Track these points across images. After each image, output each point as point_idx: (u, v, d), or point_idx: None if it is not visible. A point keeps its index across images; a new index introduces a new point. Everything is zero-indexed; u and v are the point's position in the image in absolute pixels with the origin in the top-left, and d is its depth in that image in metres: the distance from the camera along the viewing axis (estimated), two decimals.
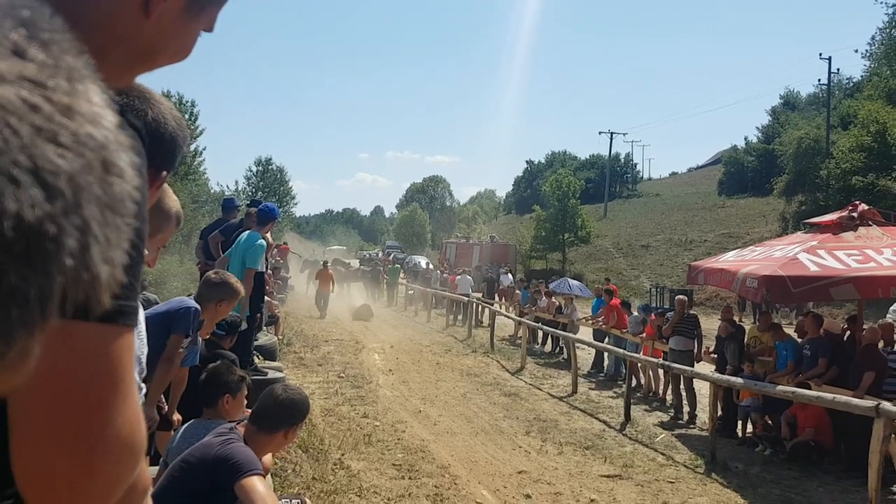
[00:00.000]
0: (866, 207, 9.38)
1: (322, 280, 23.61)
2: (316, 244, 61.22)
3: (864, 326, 9.27)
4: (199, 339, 4.32)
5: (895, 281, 7.90)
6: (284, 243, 32.47)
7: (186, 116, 45.15)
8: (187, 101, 45.96)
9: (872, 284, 7.96)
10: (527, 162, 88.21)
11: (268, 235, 7.55)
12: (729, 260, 10.38)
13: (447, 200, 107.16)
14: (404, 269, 36.66)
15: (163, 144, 1.34)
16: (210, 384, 3.50)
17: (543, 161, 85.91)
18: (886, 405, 6.58)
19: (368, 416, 9.79)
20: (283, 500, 3.11)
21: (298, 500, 3.19)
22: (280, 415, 3.02)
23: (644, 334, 13.25)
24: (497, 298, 24.53)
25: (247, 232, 7.21)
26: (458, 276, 26.92)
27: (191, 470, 2.75)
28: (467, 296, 23.11)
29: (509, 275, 28.54)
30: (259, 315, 7.36)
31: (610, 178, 68.05)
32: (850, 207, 9.39)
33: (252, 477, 2.67)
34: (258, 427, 3.01)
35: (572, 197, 47.29)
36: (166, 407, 4.10)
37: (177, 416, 4.20)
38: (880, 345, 9.24)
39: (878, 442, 6.42)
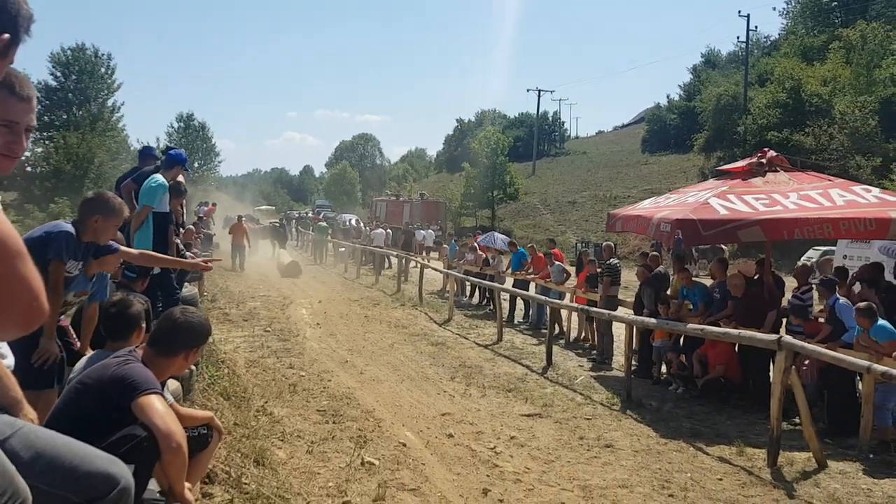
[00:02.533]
0: (774, 154, 9.72)
1: (236, 234, 23.49)
2: (245, 204, 59.94)
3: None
4: (106, 274, 4.20)
5: (800, 223, 8.24)
6: (213, 204, 31.79)
7: (103, 70, 43.31)
8: (103, 54, 44.07)
9: (778, 227, 8.29)
10: (457, 120, 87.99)
11: (180, 179, 7.34)
12: (645, 207, 10.65)
13: (377, 159, 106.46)
14: (333, 228, 36.36)
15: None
16: (122, 317, 3.42)
17: (473, 120, 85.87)
18: (788, 338, 6.92)
19: (294, 367, 9.75)
20: (193, 430, 3.06)
21: (205, 429, 3.15)
22: (179, 338, 2.98)
23: (567, 283, 13.60)
24: (421, 254, 25.00)
25: (154, 175, 7.01)
26: (374, 231, 28.53)
27: (87, 391, 2.69)
28: (380, 247, 24.54)
29: (430, 231, 29.57)
30: (179, 260, 7.17)
31: (538, 137, 68.62)
32: (759, 154, 9.71)
33: (150, 395, 2.63)
34: (157, 350, 2.96)
35: (501, 154, 47.66)
36: (78, 343, 3.98)
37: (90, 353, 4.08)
38: (793, 287, 9.72)
39: (779, 373, 6.76)
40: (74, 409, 2.64)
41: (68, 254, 3.86)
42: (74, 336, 4.22)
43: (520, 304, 15.79)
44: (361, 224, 33.86)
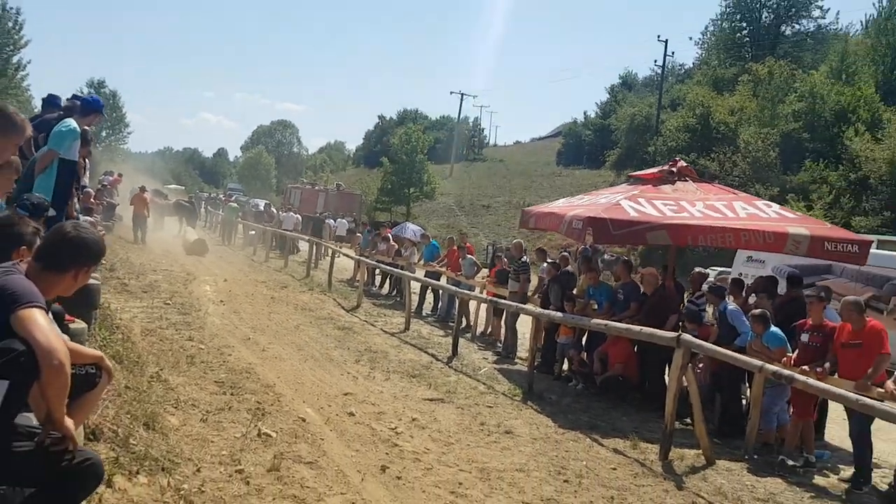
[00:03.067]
0: (684, 164, 10.05)
1: (137, 204, 22.68)
2: (154, 181, 57.74)
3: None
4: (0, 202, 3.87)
5: (704, 230, 8.52)
6: (119, 175, 30.36)
7: (10, 25, 40.84)
8: (11, 8, 41.57)
9: (684, 232, 8.55)
10: (379, 117, 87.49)
11: (88, 129, 6.93)
12: (558, 205, 10.81)
13: (295, 147, 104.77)
14: (243, 211, 35.49)
15: None
16: (1, 235, 3.13)
17: (395, 118, 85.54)
18: (686, 336, 7.13)
19: (193, 340, 9.37)
20: (80, 367, 2.83)
21: (93, 369, 2.91)
22: (69, 253, 2.73)
23: (478, 277, 13.68)
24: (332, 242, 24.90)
25: (64, 120, 6.57)
26: (285, 214, 28.66)
27: None
28: (289, 231, 24.82)
29: (343, 220, 29.64)
30: (72, 204, 6.75)
31: (458, 140, 68.98)
32: (671, 163, 10.02)
33: (32, 308, 2.40)
34: (44, 264, 2.71)
35: (420, 152, 47.64)
36: None
37: None
38: (687, 293, 10.06)
39: (676, 370, 6.96)
40: None
41: None
42: None
43: (429, 297, 15.77)
44: (273, 209, 33.02)
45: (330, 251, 21.15)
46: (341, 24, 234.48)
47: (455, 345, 11.07)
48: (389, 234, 19.61)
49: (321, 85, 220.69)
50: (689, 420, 7.64)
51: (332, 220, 29.23)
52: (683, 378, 7.06)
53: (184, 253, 21.58)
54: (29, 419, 2.51)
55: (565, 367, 10.40)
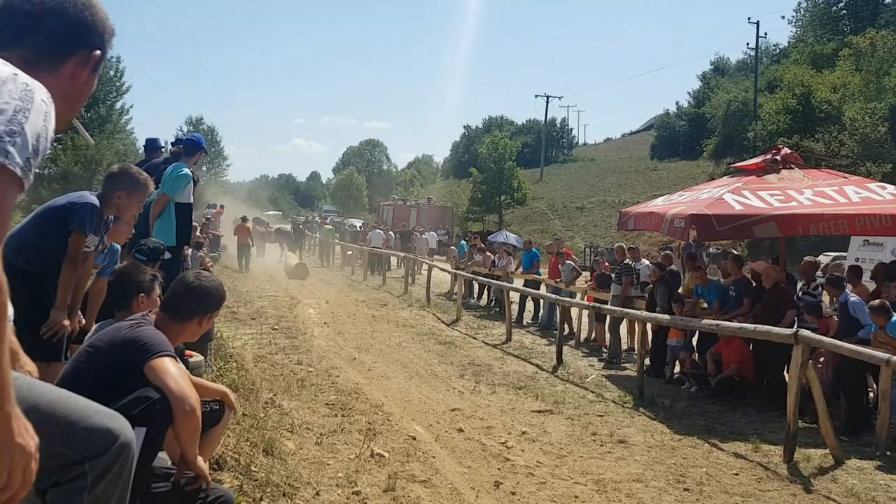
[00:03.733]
0: (788, 151, 9.64)
1: (241, 234, 23.76)
2: (253, 209, 60.11)
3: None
4: (117, 247, 4.14)
5: (815, 219, 8.15)
6: (221, 206, 31.78)
7: (112, 73, 43.47)
8: (112, 58, 44.28)
9: (793, 222, 8.19)
10: (464, 127, 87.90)
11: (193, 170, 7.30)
12: (658, 204, 10.56)
13: (384, 165, 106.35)
14: (340, 232, 36.46)
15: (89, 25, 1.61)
16: (122, 284, 3.35)
17: (481, 126, 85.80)
18: (804, 332, 6.82)
19: (302, 363, 9.69)
20: (206, 404, 3.00)
21: (217, 404, 3.08)
22: (193, 302, 2.91)
23: (577, 283, 13.55)
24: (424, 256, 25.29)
25: (174, 163, 6.95)
26: (371, 231, 29.34)
27: (98, 354, 2.62)
28: (377, 248, 25.53)
29: (432, 233, 30.13)
30: (186, 249, 7.13)
31: (546, 143, 68.54)
32: (774, 151, 9.63)
33: (163, 357, 2.56)
34: (171, 315, 2.89)
35: (508, 159, 47.59)
36: (83, 320, 3.92)
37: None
38: (800, 284, 9.62)
39: (796, 367, 6.65)
40: (84, 372, 2.57)
41: (91, 227, 3.80)
42: (81, 315, 4.15)
43: (529, 306, 15.71)
44: (368, 228, 33.88)
45: (425, 266, 21.41)
46: (420, 38, 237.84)
47: (559, 353, 10.97)
48: (483, 245, 19.66)
49: (405, 100, 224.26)
50: (812, 419, 7.29)
51: (423, 235, 29.59)
52: (804, 375, 6.74)
53: (286, 277, 22.35)
54: (164, 460, 2.68)
55: (677, 369, 10.12)
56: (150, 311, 2.99)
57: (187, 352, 5.04)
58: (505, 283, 15.00)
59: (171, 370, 2.54)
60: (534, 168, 64.39)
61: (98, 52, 1.64)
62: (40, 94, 1.43)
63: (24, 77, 1.42)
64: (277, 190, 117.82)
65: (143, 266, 3.62)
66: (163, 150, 9.27)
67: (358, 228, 35.72)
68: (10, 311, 2.64)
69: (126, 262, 3.60)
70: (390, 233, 30.21)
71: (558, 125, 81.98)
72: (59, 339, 3.73)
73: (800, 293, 9.31)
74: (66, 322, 3.74)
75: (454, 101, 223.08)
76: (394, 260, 25.91)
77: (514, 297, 15.03)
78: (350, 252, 28.53)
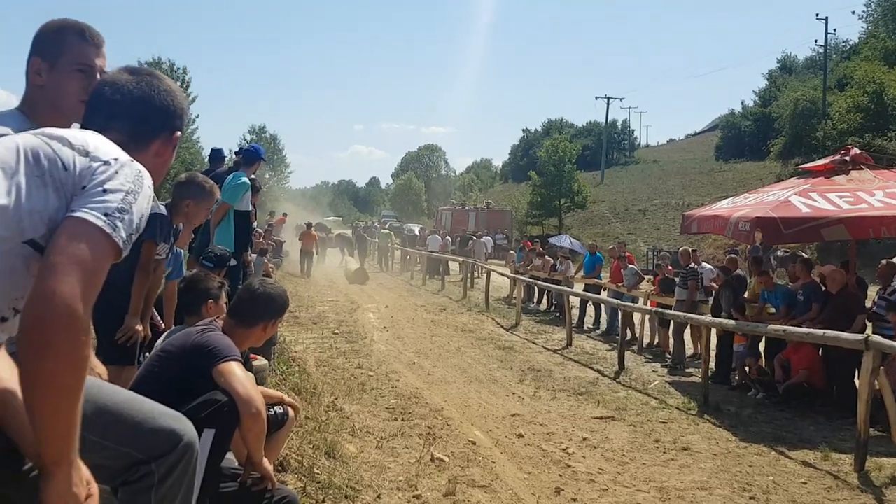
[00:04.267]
0: (858, 151, 9.33)
1: (305, 240, 24.24)
2: (314, 215, 61.18)
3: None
4: (179, 251, 4.30)
5: (886, 221, 7.88)
6: (284, 214, 32.45)
7: (179, 83, 44.91)
8: (178, 69, 45.67)
9: (863, 225, 7.95)
10: (523, 130, 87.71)
11: (255, 177, 7.51)
12: (722, 206, 10.37)
13: (443, 169, 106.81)
14: (401, 238, 36.68)
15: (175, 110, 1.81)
16: (191, 291, 3.50)
17: (540, 129, 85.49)
18: (875, 337, 6.61)
19: (363, 367, 9.85)
20: (269, 408, 3.11)
21: (282, 409, 3.19)
22: (258, 308, 3.02)
23: (639, 288, 13.40)
24: (483, 260, 25.34)
25: (233, 173, 7.18)
26: (429, 236, 29.44)
27: (169, 358, 2.75)
28: (435, 252, 25.75)
29: (488, 238, 30.20)
30: (249, 255, 7.34)
31: (607, 145, 67.81)
32: (843, 151, 9.34)
33: (230, 362, 2.67)
34: (237, 321, 3.01)
35: (568, 162, 47.24)
36: (161, 324, 4.09)
37: None
38: (876, 289, 9.30)
39: (867, 374, 6.45)
40: (156, 375, 2.71)
41: (161, 236, 3.97)
42: (158, 318, 4.33)
43: (590, 311, 15.59)
44: (426, 233, 34.04)
45: (484, 270, 21.44)
46: (479, 42, 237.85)
47: (621, 359, 10.86)
48: (542, 250, 19.60)
49: (464, 105, 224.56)
50: (884, 427, 7.04)
51: (482, 238, 29.62)
52: (875, 382, 6.53)
53: (346, 282, 22.68)
54: (231, 461, 2.79)
55: (742, 375, 9.90)
56: (217, 317, 3.11)
57: (252, 355, 5.21)
58: (565, 288, 14.91)
59: (238, 374, 2.64)
60: (594, 171, 63.78)
61: (178, 133, 1.84)
62: (148, 181, 1.63)
63: (137, 164, 1.63)
64: (337, 195, 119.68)
65: (211, 273, 3.77)
66: (226, 159, 9.56)
67: (416, 233, 35.90)
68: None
69: (194, 270, 3.75)
70: (447, 238, 30.35)
71: (619, 127, 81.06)
72: (132, 344, 3.91)
73: (876, 297, 9.00)
74: (140, 328, 3.91)
75: (513, 105, 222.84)
76: (453, 264, 26.07)
77: (575, 301, 14.94)
78: (409, 257, 28.78)
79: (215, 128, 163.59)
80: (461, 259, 23.66)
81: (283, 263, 23.04)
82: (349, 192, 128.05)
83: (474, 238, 29.01)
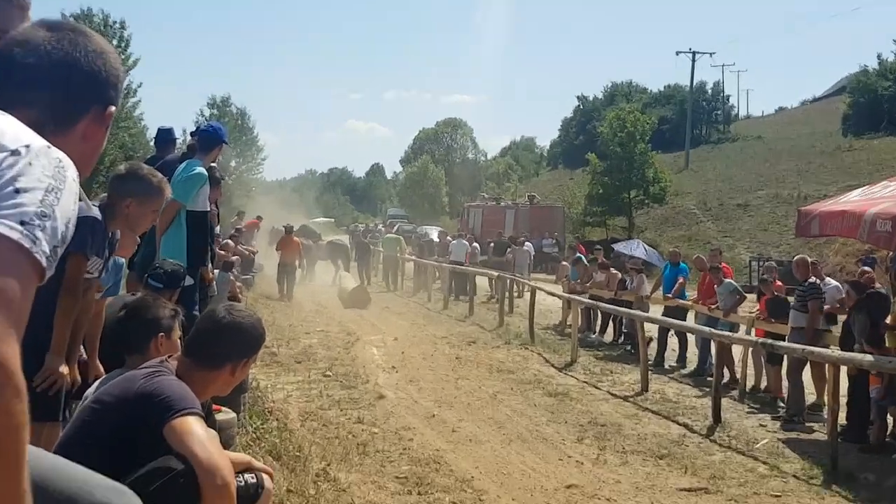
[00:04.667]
0: None
1: (285, 250, 24.29)
2: (297, 215, 61.45)
3: None
4: (121, 262, 4.33)
5: None
6: (258, 217, 32.57)
7: (114, 42, 45.34)
8: (114, 23, 46.16)
9: None
10: (578, 99, 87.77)
11: (216, 166, 7.57)
12: (853, 200, 10.30)
13: (470, 152, 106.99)
14: (413, 244, 36.65)
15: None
16: (135, 322, 3.52)
17: (601, 97, 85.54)
18: None
19: (364, 422, 9.88)
20: (238, 477, 3.11)
21: (253, 477, 3.18)
22: (225, 344, 3.02)
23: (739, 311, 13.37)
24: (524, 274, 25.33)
25: (185, 162, 7.23)
26: (453, 241, 29.49)
27: (106, 412, 2.76)
28: (461, 264, 25.72)
29: (529, 244, 29.89)
30: (206, 270, 7.38)
31: (693, 117, 67.59)
32: None
33: (188, 416, 2.67)
34: (196, 361, 3.01)
35: (641, 141, 47.17)
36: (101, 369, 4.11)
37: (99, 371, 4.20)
38: None
39: None
40: (89, 435, 2.72)
41: (93, 247, 3.97)
42: (82, 350, 4.33)
43: (673, 342, 15.53)
44: (449, 238, 34.02)
45: (527, 288, 21.41)
46: None
47: (716, 408, 10.81)
48: (605, 260, 19.60)
49: (498, 65, 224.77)
50: None
51: (525, 244, 29.50)
52: None
53: (341, 306, 22.78)
54: None
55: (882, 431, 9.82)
56: (170, 356, 3.13)
57: (215, 406, 5.24)
58: (638, 312, 14.85)
59: (197, 433, 2.65)
60: (676, 151, 63.63)
61: (112, 107, 1.81)
62: (72, 174, 1.59)
63: (56, 152, 1.58)
64: (328, 189, 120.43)
65: (160, 297, 3.78)
66: (178, 142, 9.67)
67: (435, 238, 35.93)
68: None
69: (138, 293, 3.77)
70: (475, 244, 30.32)
71: (709, 92, 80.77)
72: (56, 392, 3.92)
73: None
74: (65, 370, 3.92)
75: (564, 64, 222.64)
76: (483, 280, 26.03)
77: (652, 330, 14.86)
78: (425, 270, 28.78)
79: (164, 101, 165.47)
80: (496, 273, 23.66)
81: (256, 281, 23.19)
82: (344, 184, 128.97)
83: (513, 245, 29.00)
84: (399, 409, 10.84)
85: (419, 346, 16.26)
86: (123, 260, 4.83)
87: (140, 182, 4.17)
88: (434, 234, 39.99)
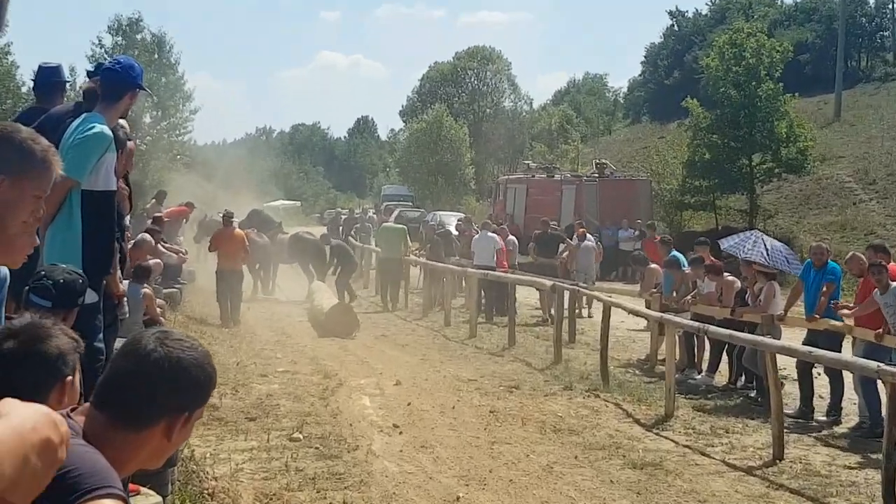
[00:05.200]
0: None
1: (225, 249, 24.20)
2: (245, 196, 61.08)
3: None
4: (5, 273, 4.34)
5: None
6: (188, 203, 32.60)
7: None
8: None
9: None
10: (671, 16, 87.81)
11: (123, 123, 7.58)
12: None
13: (506, 99, 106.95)
14: (422, 238, 36.55)
15: None
16: (28, 362, 3.50)
17: (706, 11, 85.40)
18: None
19: None
20: None
21: None
22: (157, 392, 2.98)
23: None
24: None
25: (80, 116, 7.23)
26: (476, 236, 29.59)
27: None
28: (491, 270, 26.20)
29: (589, 237, 29.57)
30: (115, 279, 7.41)
31: (846, 42, 67.30)
32: None
33: (103, 500, 2.66)
34: (114, 417, 2.98)
35: (768, 79, 46.84)
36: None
37: None
38: None
39: None
40: None
41: None
42: None
43: (821, 383, 15.47)
44: (476, 229, 33.91)
45: (597, 303, 21.34)
46: None
47: (889, 485, 10.78)
48: (715, 261, 19.51)
49: None
50: None
51: (587, 238, 29.36)
52: None
53: (314, 334, 22.80)
54: None
55: None
56: (72, 410, 3.12)
57: (132, 486, 5.25)
58: (768, 340, 14.78)
59: None
60: (821, 95, 63.41)
61: None
62: None
63: None
64: (291, 155, 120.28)
65: (57, 324, 3.77)
66: (66, 86, 9.69)
67: (453, 229, 35.76)
68: None
69: (20, 317, 3.75)
70: (511, 238, 30.10)
71: (872, 4, 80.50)
72: None
73: None
74: None
75: None
76: (526, 291, 26.02)
77: (787, 365, 14.77)
78: (442, 279, 28.73)
79: (44, 26, 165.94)
80: (548, 282, 23.47)
81: (185, 297, 23.24)
82: (315, 148, 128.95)
83: (570, 239, 28.89)
84: (405, 489, 10.82)
85: (433, 395, 16.24)
86: (6, 270, 4.82)
87: (16, 150, 4.10)
88: (453, 222, 39.93)
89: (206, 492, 8.45)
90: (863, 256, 15.69)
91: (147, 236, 17.76)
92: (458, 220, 38.34)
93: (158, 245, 19.79)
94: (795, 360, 14.70)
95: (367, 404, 15.30)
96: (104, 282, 7.08)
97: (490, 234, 28.78)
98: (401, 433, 13.52)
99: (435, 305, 27.98)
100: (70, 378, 3.57)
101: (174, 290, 21.51)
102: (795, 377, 15.30)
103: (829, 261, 16.58)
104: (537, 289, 25.41)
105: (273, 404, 14.76)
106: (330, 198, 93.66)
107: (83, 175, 6.91)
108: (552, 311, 22.83)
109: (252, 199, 62.45)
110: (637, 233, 36.96)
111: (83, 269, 6.43)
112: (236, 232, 25.03)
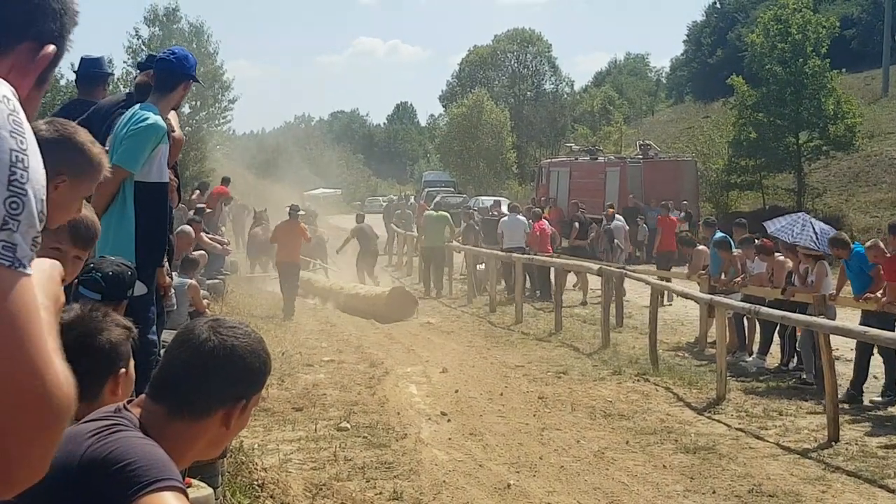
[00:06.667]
0: None
1: (285, 241, 24.35)
2: (285, 185, 60.97)
3: None
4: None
5: None
6: (224, 180, 32.55)
7: None
8: None
9: None
10: None
11: (173, 117, 7.59)
12: None
13: (547, 81, 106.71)
14: (464, 224, 36.45)
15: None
16: (81, 355, 3.49)
17: None
18: None
19: (403, 499, 9.89)
20: None
21: None
22: (213, 381, 2.98)
23: None
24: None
25: (132, 109, 7.25)
26: (505, 219, 29.84)
27: (38, 491, 2.72)
28: (521, 251, 26.59)
29: (621, 223, 29.62)
30: (163, 272, 7.43)
31: (892, 18, 66.81)
32: None
33: (164, 493, 2.65)
34: (170, 408, 2.98)
35: (814, 56, 46.55)
36: None
37: None
38: None
39: None
40: None
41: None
42: None
43: (876, 363, 15.35)
44: (520, 216, 33.76)
45: (644, 286, 21.27)
46: None
47: None
48: (765, 240, 19.35)
49: None
50: None
51: (616, 218, 29.36)
52: None
53: (353, 322, 22.86)
54: None
55: None
56: (128, 402, 3.11)
57: (185, 479, 5.28)
58: (821, 320, 14.66)
59: None
60: (868, 70, 62.88)
61: (52, 47, 1.76)
62: (27, 123, 1.59)
63: (4, 87, 1.58)
64: (331, 144, 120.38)
65: (108, 311, 3.77)
66: (109, 77, 9.71)
67: (496, 216, 35.60)
68: None
69: (73, 308, 3.74)
70: (545, 222, 30.01)
71: None
72: None
73: None
74: None
75: None
76: (574, 277, 25.98)
77: (843, 350, 14.66)
78: (481, 266, 28.66)
79: (80, 16, 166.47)
80: (595, 266, 23.39)
81: (228, 285, 23.29)
82: (354, 134, 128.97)
83: (615, 220, 28.82)
84: (455, 477, 10.81)
85: (481, 381, 16.23)
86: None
87: (79, 152, 4.11)
88: (498, 207, 39.88)
89: (255, 483, 8.46)
90: (882, 245, 15.56)
91: (188, 227, 17.79)
92: (505, 206, 38.22)
93: (201, 235, 19.83)
94: (855, 342, 14.56)
95: (413, 392, 15.32)
96: (156, 275, 7.11)
97: (519, 216, 29.16)
98: (449, 421, 13.52)
99: (479, 291, 27.98)
100: (124, 370, 3.57)
101: (217, 280, 21.54)
102: (848, 357, 15.17)
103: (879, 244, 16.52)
104: (575, 273, 25.44)
105: (319, 394, 14.80)
106: (370, 185, 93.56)
107: (136, 166, 6.94)
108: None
109: (290, 188, 62.48)
110: (683, 214, 36.82)
111: (136, 260, 6.46)
112: (301, 225, 25.24)
